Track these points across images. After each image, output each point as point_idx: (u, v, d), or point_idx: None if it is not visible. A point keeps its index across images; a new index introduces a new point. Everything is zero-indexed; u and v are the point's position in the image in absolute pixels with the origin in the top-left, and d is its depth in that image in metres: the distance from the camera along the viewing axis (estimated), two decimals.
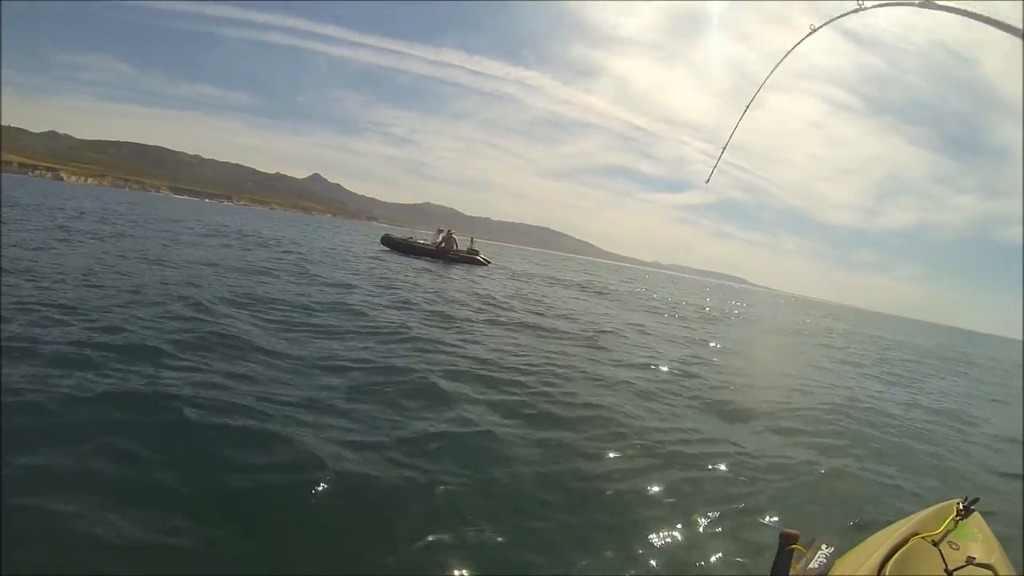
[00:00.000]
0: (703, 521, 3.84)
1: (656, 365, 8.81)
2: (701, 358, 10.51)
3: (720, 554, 3.50)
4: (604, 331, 11.74)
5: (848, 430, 6.87)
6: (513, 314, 12.28)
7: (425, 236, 31.22)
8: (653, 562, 3.31)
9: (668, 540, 3.53)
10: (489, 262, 29.56)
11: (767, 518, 4.07)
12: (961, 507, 2.62)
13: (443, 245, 28.21)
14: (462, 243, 29.35)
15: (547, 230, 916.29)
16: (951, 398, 11.97)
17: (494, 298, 14.71)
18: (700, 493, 4.28)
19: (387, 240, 29.41)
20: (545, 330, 10.58)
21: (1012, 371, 24.54)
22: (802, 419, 6.99)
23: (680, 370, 8.74)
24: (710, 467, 4.84)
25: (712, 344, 13.33)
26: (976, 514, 2.63)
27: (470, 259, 28.30)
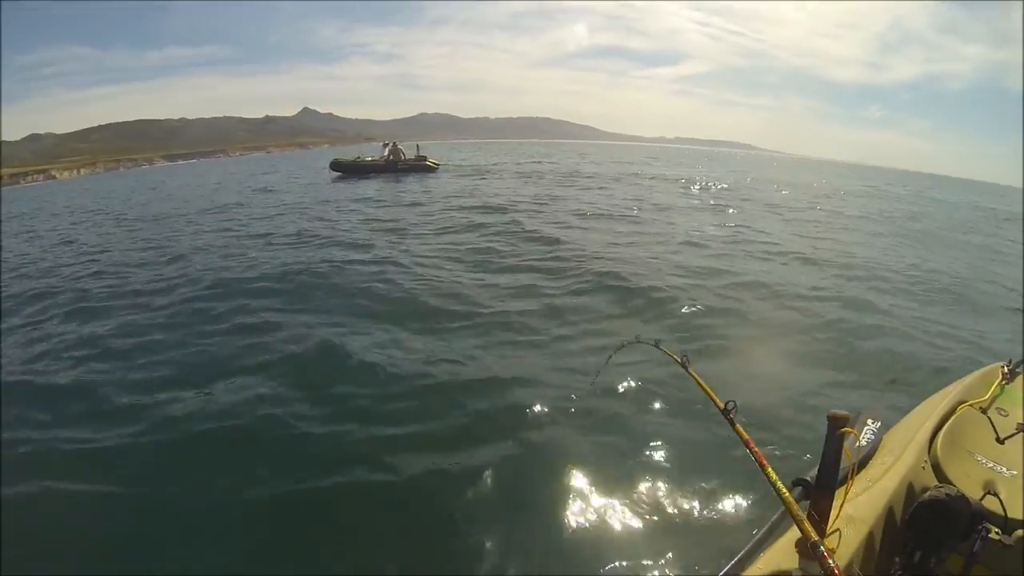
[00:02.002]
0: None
1: None
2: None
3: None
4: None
5: None
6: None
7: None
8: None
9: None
10: (439, 165, 29.28)
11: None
12: (1006, 370, 2.60)
13: (391, 158, 28.16)
14: (409, 152, 29.10)
15: (547, 120, 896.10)
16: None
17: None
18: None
19: (336, 165, 29.15)
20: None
21: None
22: None
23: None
24: None
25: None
26: (1021, 376, 2.60)
27: (419, 166, 28.07)
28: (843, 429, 1.29)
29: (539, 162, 39.82)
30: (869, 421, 2.13)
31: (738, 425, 1.60)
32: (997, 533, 1.59)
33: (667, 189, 22.77)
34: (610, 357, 3.25)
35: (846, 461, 1.39)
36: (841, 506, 1.44)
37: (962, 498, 1.59)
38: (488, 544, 3.06)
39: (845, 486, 1.42)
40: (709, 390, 1.88)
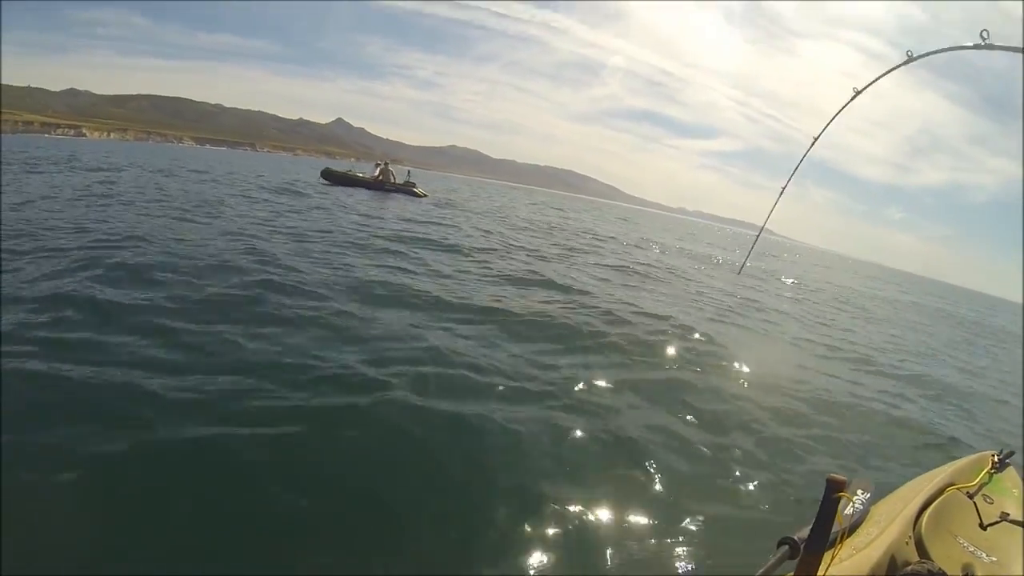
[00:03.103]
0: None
1: None
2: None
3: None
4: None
5: None
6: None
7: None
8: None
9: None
10: (426, 195, 31.18)
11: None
12: (996, 460, 2.63)
13: (380, 178, 30.11)
14: (399, 176, 31.15)
15: (572, 173, 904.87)
16: None
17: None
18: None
19: (327, 173, 31.12)
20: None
21: None
22: None
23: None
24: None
25: None
26: (1011, 468, 2.63)
27: (406, 190, 30.03)
28: (839, 494, 1.30)
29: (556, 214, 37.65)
30: (859, 491, 2.22)
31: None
32: None
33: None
34: None
35: (837, 526, 1.44)
36: (827, 569, 1.48)
37: (941, 574, 1.65)
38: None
39: (833, 550, 1.48)
40: None
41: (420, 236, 13.45)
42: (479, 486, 3.44)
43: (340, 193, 25.18)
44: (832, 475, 1.32)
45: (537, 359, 5.72)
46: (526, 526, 3.12)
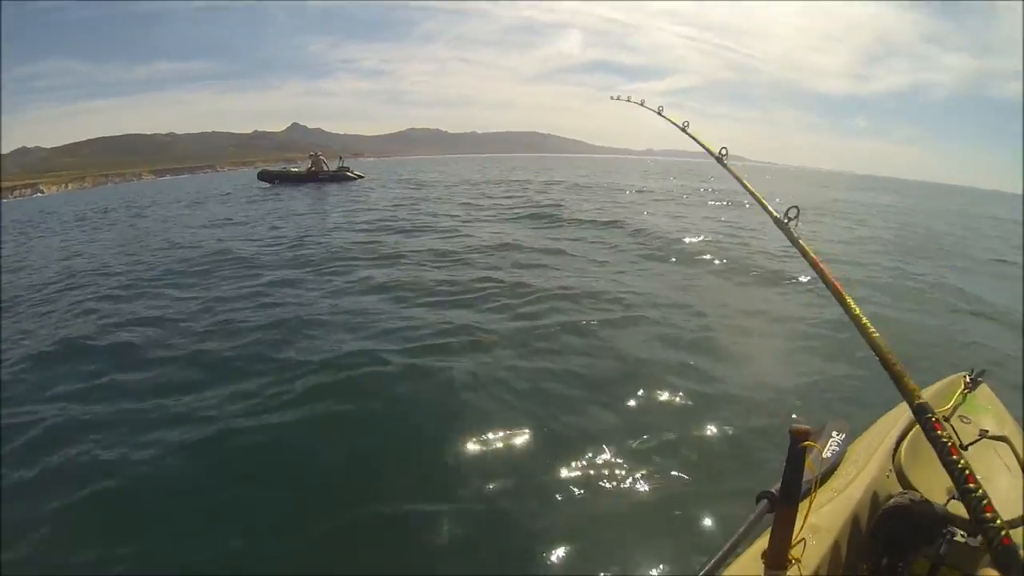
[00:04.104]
0: None
1: None
2: None
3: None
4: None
5: None
6: None
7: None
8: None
9: None
10: (362, 176, 32.66)
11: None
12: (968, 380, 2.63)
13: (312, 168, 31.56)
14: (333, 164, 32.46)
15: (534, 134, 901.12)
16: None
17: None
18: None
19: (264, 175, 32.62)
20: None
21: None
22: None
23: None
24: None
25: None
26: (984, 386, 2.64)
27: (340, 176, 31.49)
28: (805, 443, 1.30)
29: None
30: (834, 432, 2.19)
31: (802, 241, 1.63)
32: (963, 536, 1.65)
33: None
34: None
35: (810, 474, 1.44)
36: (806, 517, 1.48)
37: (926, 503, 1.64)
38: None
39: (809, 497, 1.49)
40: (758, 194, 1.94)
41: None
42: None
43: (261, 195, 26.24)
44: (795, 425, 1.31)
45: None
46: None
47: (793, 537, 1.37)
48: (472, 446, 3.84)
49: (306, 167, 31.99)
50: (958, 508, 1.64)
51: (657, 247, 11.04)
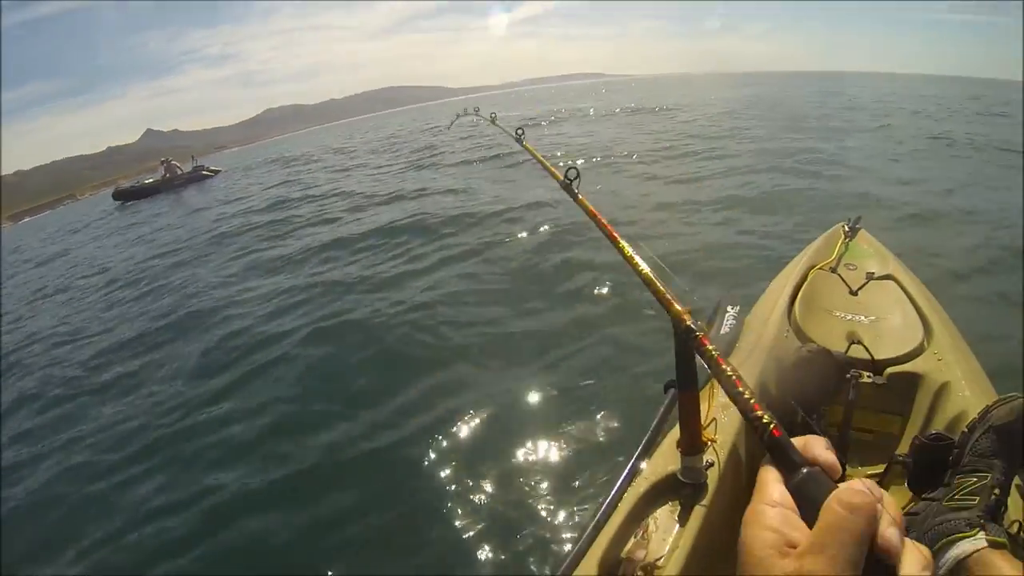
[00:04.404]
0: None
1: None
2: None
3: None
4: None
5: None
6: None
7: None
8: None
9: None
10: (219, 171, 32.59)
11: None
12: (847, 228, 2.73)
13: (167, 176, 30.86)
14: (186, 166, 32.01)
15: (392, 88, 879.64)
16: None
17: None
18: None
19: (119, 194, 31.83)
20: None
21: None
22: None
23: None
24: None
25: None
26: (863, 231, 2.74)
27: (196, 177, 31.19)
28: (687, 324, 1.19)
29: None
30: (729, 307, 2.16)
31: (581, 197, 1.60)
32: (869, 376, 1.72)
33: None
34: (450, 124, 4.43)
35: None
36: (710, 397, 1.51)
37: (824, 352, 1.67)
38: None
39: (710, 380, 1.44)
40: (545, 162, 1.93)
41: None
42: None
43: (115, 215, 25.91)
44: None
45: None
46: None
47: (704, 419, 1.32)
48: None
49: (160, 175, 31.20)
50: (859, 351, 1.79)
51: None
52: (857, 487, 0.46)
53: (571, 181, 1.65)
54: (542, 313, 4.70)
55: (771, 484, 0.53)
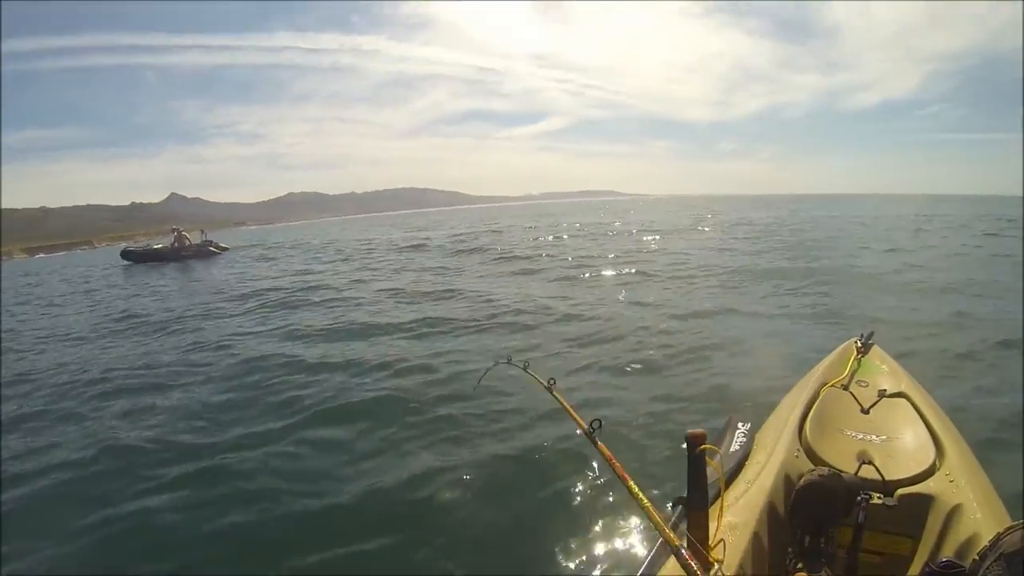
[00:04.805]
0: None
1: None
2: None
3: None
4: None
5: None
6: None
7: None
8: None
9: None
10: (226, 249, 33.84)
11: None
12: (859, 344, 2.73)
13: (175, 245, 32.08)
14: (195, 238, 33.60)
15: (413, 190, 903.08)
16: None
17: None
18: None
19: (126, 254, 33.24)
20: None
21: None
22: None
23: None
24: None
25: None
26: (875, 347, 2.73)
27: (204, 251, 32.39)
28: (703, 447, 1.29)
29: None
30: (740, 424, 2.25)
31: (601, 444, 1.65)
32: (879, 498, 1.68)
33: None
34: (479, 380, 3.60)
35: (716, 474, 1.47)
36: (719, 516, 1.48)
37: (836, 476, 1.64)
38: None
39: (720, 497, 1.49)
40: (573, 411, 1.93)
41: None
42: None
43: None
44: (690, 431, 1.30)
45: None
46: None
47: (712, 538, 1.37)
48: None
49: (170, 243, 32.66)
50: (869, 471, 1.75)
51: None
52: None
53: (594, 431, 1.69)
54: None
55: None
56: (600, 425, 1.68)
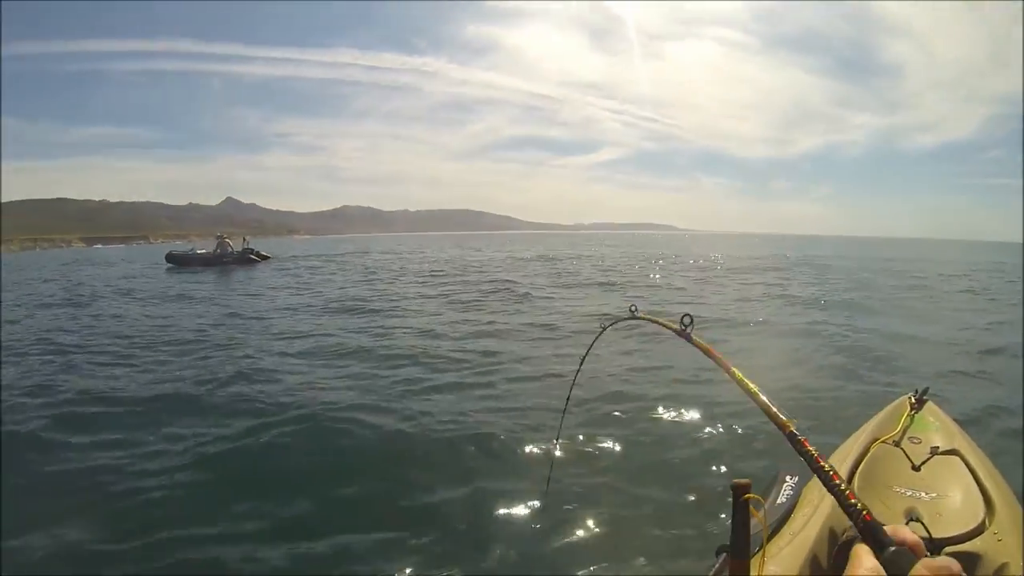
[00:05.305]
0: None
1: None
2: None
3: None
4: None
5: None
6: None
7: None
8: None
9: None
10: (268, 257, 33.66)
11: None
12: (913, 400, 2.64)
13: (218, 251, 32.23)
14: (237, 245, 33.67)
15: (466, 212, 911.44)
16: None
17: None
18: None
19: (171, 257, 33.21)
20: None
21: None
22: None
23: None
24: None
25: None
26: (930, 403, 2.65)
27: (245, 259, 32.31)
28: (746, 496, 1.26)
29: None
30: (788, 477, 2.18)
31: (696, 338, 1.61)
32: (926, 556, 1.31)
33: None
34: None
35: (760, 525, 1.43)
36: (761, 566, 1.43)
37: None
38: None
39: (762, 549, 1.43)
40: (659, 319, 1.89)
41: None
42: None
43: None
44: (736, 480, 1.25)
45: None
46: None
47: None
48: None
49: (213, 249, 32.84)
50: (918, 529, 1.69)
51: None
52: (941, 562, 0.54)
53: (686, 327, 1.66)
54: None
55: (864, 557, 0.62)
56: (692, 321, 1.62)
